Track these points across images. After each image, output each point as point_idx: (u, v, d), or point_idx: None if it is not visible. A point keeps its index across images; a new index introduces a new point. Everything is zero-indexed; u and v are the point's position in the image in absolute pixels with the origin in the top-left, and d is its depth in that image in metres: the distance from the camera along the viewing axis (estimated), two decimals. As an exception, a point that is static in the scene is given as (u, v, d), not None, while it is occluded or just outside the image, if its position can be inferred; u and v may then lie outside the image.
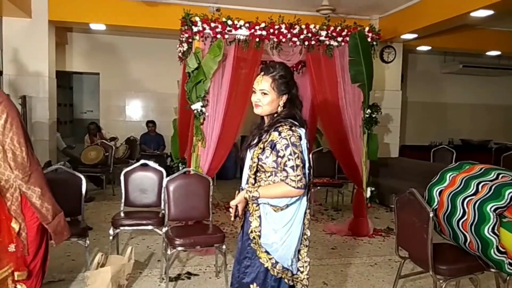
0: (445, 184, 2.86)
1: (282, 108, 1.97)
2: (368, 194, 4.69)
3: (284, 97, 1.96)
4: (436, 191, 2.89)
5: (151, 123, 7.93)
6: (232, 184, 6.79)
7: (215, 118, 4.16)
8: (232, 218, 2.01)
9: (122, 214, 3.68)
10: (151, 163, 3.93)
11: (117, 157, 6.97)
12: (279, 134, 1.88)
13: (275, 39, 4.23)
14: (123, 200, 3.79)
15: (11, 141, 2.26)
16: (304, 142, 1.93)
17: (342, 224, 5.02)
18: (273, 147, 1.89)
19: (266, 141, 1.92)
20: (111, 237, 3.58)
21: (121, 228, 3.57)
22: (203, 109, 4.08)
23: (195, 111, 4.09)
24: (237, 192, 2.05)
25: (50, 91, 6.09)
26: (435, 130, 9.22)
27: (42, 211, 2.35)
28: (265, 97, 1.95)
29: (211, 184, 3.59)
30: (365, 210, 4.78)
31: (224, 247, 3.21)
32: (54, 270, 3.40)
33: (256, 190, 1.91)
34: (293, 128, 1.90)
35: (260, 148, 1.94)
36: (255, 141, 1.99)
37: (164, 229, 3.41)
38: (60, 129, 7.29)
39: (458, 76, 9.21)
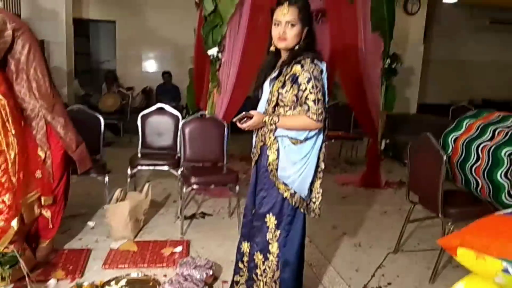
0: (461, 131, 2.84)
1: (303, 41, 1.94)
2: (383, 146, 4.69)
3: (306, 29, 1.94)
4: (452, 138, 2.87)
5: (167, 74, 7.92)
6: (247, 137, 6.82)
7: (231, 64, 4.12)
8: (236, 120, 1.94)
9: (139, 155, 3.79)
10: (167, 107, 3.98)
11: (133, 107, 7.06)
12: (302, 67, 1.87)
13: (295, -17, 4.09)
14: (140, 142, 3.89)
15: (34, 71, 2.32)
16: (325, 76, 1.93)
17: (354, 175, 5.06)
18: (294, 80, 1.89)
19: (287, 74, 1.91)
20: (129, 177, 3.70)
21: (138, 167, 3.68)
22: (219, 54, 4.04)
23: (211, 57, 4.05)
24: (243, 115, 1.99)
25: (68, 37, 6.12)
26: (457, 88, 8.97)
27: (66, 140, 2.45)
28: (292, 29, 1.90)
29: (226, 128, 3.63)
30: (378, 162, 4.80)
31: (237, 187, 3.29)
32: (75, 207, 3.55)
33: (277, 116, 1.92)
34: (315, 62, 1.89)
35: (281, 82, 1.93)
36: (275, 74, 1.97)
37: (180, 170, 3.51)
38: (78, 78, 7.37)
39: (485, 32, 8.83)
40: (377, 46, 4.41)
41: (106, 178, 3.39)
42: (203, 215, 3.66)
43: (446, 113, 7.33)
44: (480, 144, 2.62)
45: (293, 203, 1.96)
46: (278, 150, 1.95)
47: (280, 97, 1.94)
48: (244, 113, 1.95)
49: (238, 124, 1.96)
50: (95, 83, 8.85)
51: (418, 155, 2.82)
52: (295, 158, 1.93)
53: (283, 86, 1.92)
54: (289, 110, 1.94)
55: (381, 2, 4.20)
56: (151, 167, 3.77)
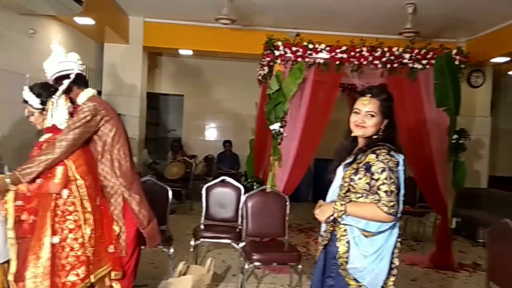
0: (546, 217, 2.61)
1: (382, 132, 1.95)
2: (454, 225, 4.39)
3: (386, 121, 1.95)
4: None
5: (227, 143, 8.25)
6: (304, 207, 6.76)
7: (293, 139, 4.23)
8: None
9: (202, 227, 3.87)
10: (230, 180, 4.10)
11: (196, 174, 7.34)
12: (377, 157, 1.85)
13: (356, 62, 4.23)
14: (203, 214, 3.99)
15: (118, 152, 2.55)
16: (401, 168, 1.89)
17: (423, 255, 4.73)
18: (367, 169, 1.86)
19: (361, 162, 1.90)
20: (191, 248, 3.76)
21: (201, 240, 3.74)
22: (281, 129, 4.18)
23: (274, 131, 4.20)
24: (318, 205, 2.02)
25: (141, 110, 6.66)
26: (530, 160, 8.38)
27: (140, 216, 2.58)
28: (371, 119, 1.93)
29: (287, 203, 3.64)
30: (449, 241, 4.47)
31: (300, 266, 3.21)
32: (138, 276, 3.60)
33: (344, 205, 1.88)
34: (391, 153, 1.87)
35: (354, 169, 1.91)
36: (350, 160, 1.97)
37: (241, 244, 3.52)
38: (147, 145, 7.89)
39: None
40: (442, 121, 4.32)
41: (171, 250, 3.46)
42: (263, 292, 3.57)
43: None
44: None
45: None
46: (348, 242, 1.89)
47: (352, 183, 1.91)
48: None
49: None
50: (161, 150, 9.40)
51: (497, 243, 2.61)
52: (366, 251, 1.86)
53: (356, 173, 1.90)
54: (360, 197, 1.90)
55: (445, 79, 4.17)
56: (214, 240, 3.81)
